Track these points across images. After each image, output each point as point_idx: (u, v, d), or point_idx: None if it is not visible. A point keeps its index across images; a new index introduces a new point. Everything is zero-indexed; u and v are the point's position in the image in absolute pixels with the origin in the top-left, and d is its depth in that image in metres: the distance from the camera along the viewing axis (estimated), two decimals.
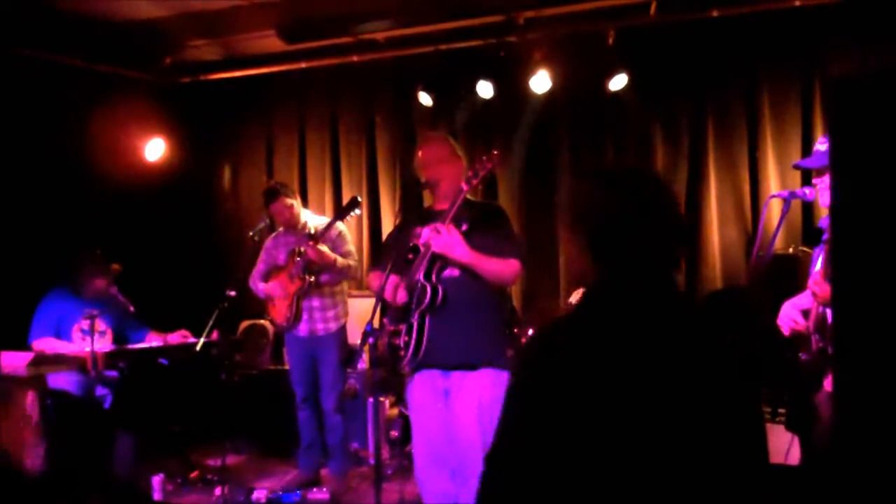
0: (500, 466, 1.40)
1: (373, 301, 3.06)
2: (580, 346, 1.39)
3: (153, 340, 4.68)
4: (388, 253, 3.22)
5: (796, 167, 3.62)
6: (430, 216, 3.18)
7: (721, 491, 1.33)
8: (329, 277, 4.42)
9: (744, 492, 1.34)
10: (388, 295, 3.05)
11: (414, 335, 2.99)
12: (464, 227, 3.01)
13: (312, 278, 4.35)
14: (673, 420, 1.33)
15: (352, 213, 4.10)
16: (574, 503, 1.34)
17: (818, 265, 2.87)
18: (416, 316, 3.00)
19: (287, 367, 4.77)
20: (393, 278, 3.06)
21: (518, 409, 1.41)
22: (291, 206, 4.52)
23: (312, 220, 4.61)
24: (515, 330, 4.32)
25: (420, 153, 3.28)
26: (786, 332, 2.96)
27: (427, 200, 5.65)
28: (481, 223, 3.07)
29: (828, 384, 2.73)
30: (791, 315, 2.94)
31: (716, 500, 1.33)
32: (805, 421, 2.91)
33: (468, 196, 3.07)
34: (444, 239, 2.91)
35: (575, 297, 4.93)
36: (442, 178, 3.13)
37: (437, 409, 3.07)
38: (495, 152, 3.05)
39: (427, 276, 3.00)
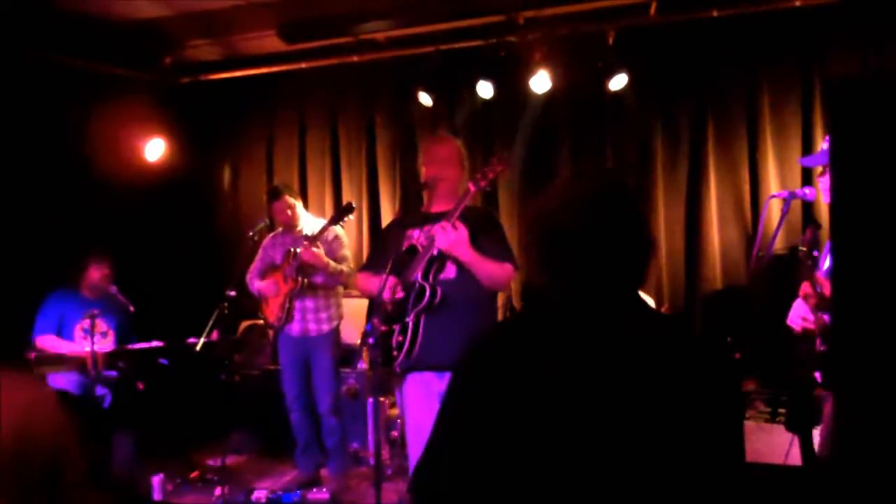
0: (432, 469, 1.43)
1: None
2: (506, 352, 1.43)
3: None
4: (382, 254, 3.19)
5: (803, 164, 3.61)
6: (425, 218, 3.17)
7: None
8: (322, 280, 4.42)
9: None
10: (386, 294, 3.03)
11: (409, 335, 2.99)
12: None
13: (305, 280, 4.36)
14: (595, 430, 1.30)
15: (346, 218, 4.18)
16: None
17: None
18: (411, 316, 2.99)
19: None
20: (390, 279, 3.05)
21: (451, 411, 1.47)
22: (293, 207, 4.53)
23: (311, 223, 4.61)
24: None
25: (428, 149, 3.28)
26: (798, 329, 2.96)
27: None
28: (477, 228, 3.06)
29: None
30: (801, 314, 2.94)
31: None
32: (805, 421, 2.91)
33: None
34: (452, 236, 2.88)
35: None
36: (443, 178, 3.12)
37: (433, 410, 3.08)
38: (504, 154, 3.00)
39: (425, 276, 2.99)
